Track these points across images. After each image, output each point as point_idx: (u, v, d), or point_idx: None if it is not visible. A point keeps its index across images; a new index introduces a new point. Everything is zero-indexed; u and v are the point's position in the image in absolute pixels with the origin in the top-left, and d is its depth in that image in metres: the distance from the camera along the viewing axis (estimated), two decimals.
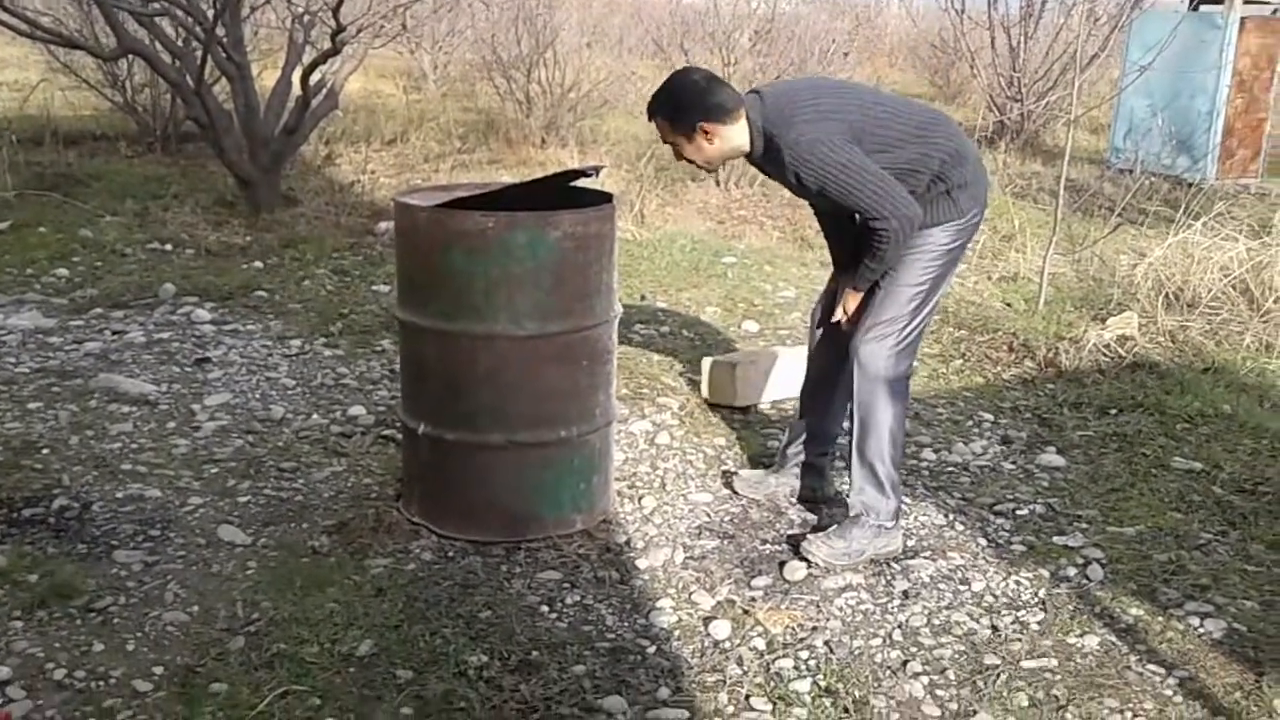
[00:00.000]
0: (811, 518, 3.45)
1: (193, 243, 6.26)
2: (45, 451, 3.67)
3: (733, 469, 3.76)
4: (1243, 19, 8.99)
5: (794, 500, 3.54)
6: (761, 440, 4.03)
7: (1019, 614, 2.96)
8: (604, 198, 3.30)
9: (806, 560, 3.15)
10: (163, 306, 5.23)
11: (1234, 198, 8.14)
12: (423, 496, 3.30)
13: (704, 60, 9.04)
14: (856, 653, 2.77)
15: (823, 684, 2.64)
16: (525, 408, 3.15)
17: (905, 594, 3.04)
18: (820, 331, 3.43)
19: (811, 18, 10.67)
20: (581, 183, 3.33)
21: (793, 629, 2.86)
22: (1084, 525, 3.46)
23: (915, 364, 3.30)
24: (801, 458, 3.54)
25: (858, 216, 3.06)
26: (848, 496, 3.26)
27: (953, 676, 2.69)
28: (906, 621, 2.91)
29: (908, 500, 3.56)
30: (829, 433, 3.50)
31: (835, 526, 3.24)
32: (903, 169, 2.99)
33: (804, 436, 3.53)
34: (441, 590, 2.96)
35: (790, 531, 3.37)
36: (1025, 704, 2.59)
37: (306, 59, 7.13)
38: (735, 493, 3.59)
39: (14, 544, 3.08)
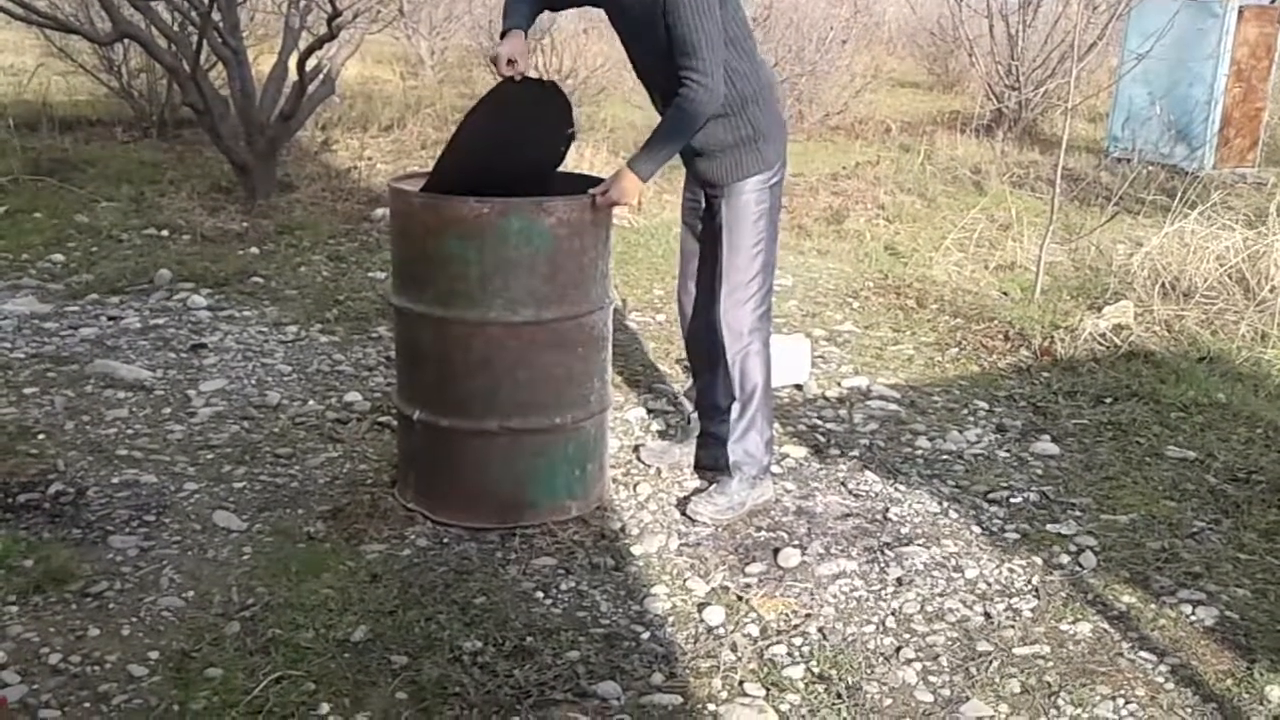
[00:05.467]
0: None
1: (189, 228, 6.25)
2: (41, 437, 3.67)
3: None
4: (1241, 8, 8.97)
5: (695, 469, 3.65)
6: None
7: (1012, 601, 2.98)
8: (600, 184, 3.30)
9: (693, 520, 3.30)
10: (158, 292, 5.23)
11: (1231, 187, 8.14)
12: (418, 483, 3.31)
13: None
14: (850, 639, 2.78)
15: (816, 670, 2.65)
16: (520, 394, 3.15)
17: (899, 581, 3.05)
18: (691, 306, 3.48)
19: (810, 4, 10.63)
20: (568, 165, 3.36)
21: (786, 615, 2.87)
22: (1077, 513, 3.47)
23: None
24: (698, 429, 3.66)
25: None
26: (728, 447, 3.35)
27: (945, 663, 2.70)
28: (900, 608, 2.92)
29: (902, 488, 3.59)
30: (719, 403, 3.55)
31: (714, 485, 3.39)
32: (732, 70, 3.05)
33: (699, 409, 3.65)
34: (436, 576, 2.96)
35: (682, 496, 3.47)
36: (1017, 690, 2.60)
37: (303, 44, 7.10)
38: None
39: (9, 529, 3.08)
